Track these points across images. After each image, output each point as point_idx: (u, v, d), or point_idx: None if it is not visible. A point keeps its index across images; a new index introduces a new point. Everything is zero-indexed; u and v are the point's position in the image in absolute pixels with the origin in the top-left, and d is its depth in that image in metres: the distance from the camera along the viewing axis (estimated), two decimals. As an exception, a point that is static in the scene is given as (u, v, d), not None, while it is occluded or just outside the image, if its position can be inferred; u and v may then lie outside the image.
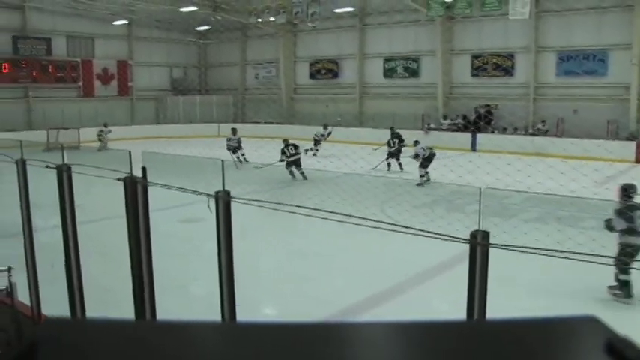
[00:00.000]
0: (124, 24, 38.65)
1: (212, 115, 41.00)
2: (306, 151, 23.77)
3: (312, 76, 38.36)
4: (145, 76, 40.88)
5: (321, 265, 10.12)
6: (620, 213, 8.01)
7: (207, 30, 41.64)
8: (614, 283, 8.11)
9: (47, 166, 5.99)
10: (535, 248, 3.50)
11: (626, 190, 8.30)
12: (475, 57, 30.92)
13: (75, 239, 5.75)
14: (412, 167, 18.76)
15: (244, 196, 4.47)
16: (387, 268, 9.86)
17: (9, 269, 6.20)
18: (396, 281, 9.18)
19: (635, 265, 7.86)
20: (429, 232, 3.98)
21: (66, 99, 36.41)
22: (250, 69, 42.19)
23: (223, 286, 4.31)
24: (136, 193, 4.71)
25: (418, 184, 17.10)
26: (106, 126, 30.40)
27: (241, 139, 23.73)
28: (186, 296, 8.28)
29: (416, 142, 19.30)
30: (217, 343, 0.79)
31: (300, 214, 4.26)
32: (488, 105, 30.32)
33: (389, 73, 34.56)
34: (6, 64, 33.78)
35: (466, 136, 28.97)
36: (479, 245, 3.44)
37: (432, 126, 31.15)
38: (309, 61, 38.30)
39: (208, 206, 4.31)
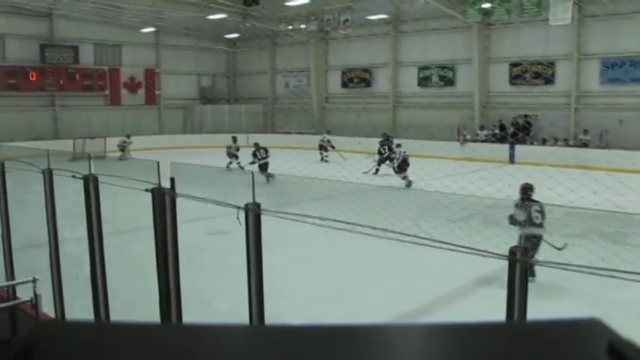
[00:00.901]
0: (152, 31, 39.28)
1: (241, 125, 41.26)
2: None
3: (344, 85, 38.42)
4: (172, 85, 41.39)
5: (355, 281, 10.09)
6: (519, 206, 9.66)
7: (236, 38, 42.00)
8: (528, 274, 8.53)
9: (74, 176, 6.10)
10: (578, 266, 3.45)
11: (525, 190, 10.13)
12: (513, 65, 30.65)
13: (101, 251, 5.84)
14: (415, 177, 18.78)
15: (275, 209, 4.49)
16: (422, 284, 9.79)
17: (34, 280, 6.30)
18: (431, 298, 9.11)
19: (532, 252, 8.95)
20: (465, 247, 3.95)
21: (92, 108, 37.04)
22: (280, 78, 42.42)
23: (252, 301, 4.33)
24: (163, 204, 4.76)
25: (407, 185, 19.14)
26: (128, 137, 30.86)
27: (240, 147, 25.26)
28: (212, 310, 8.32)
29: (398, 145, 21.68)
30: (226, 344, 0.80)
31: (333, 227, 4.26)
32: (527, 115, 29.99)
33: (423, 82, 34.45)
34: (33, 73, 34.52)
35: (504, 148, 28.68)
36: (518, 262, 3.41)
37: (468, 137, 30.92)
38: (341, 70, 38.37)
39: (238, 218, 4.33)
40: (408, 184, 19.48)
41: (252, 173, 4.56)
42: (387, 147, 23.50)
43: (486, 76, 31.63)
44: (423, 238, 4.23)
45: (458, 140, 30.79)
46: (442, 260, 9.16)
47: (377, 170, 22.82)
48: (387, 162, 22.35)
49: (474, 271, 9.31)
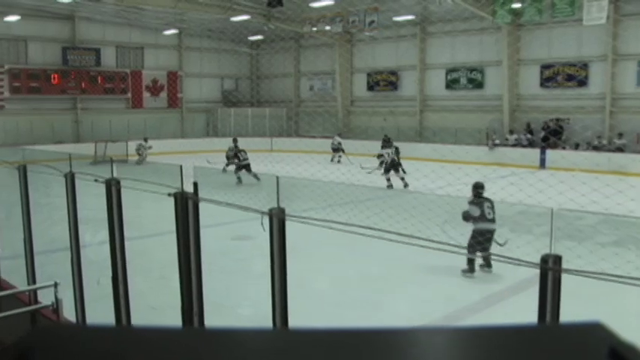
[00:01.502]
0: (174, 33, 39.65)
1: (265, 128, 41.43)
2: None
3: (369, 87, 38.38)
4: (195, 88, 41.72)
5: (382, 288, 10.07)
6: (473, 203, 10.52)
7: (259, 40, 42.19)
8: (467, 267, 10.31)
9: (96, 180, 6.17)
10: (614, 275, 3.41)
11: (477, 188, 10.90)
12: (545, 67, 30.37)
13: (123, 255, 5.89)
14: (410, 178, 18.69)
15: (300, 214, 4.50)
16: (449, 291, 9.74)
17: (55, 285, 6.38)
18: (460, 306, 9.05)
19: (486, 245, 10.02)
20: (495, 254, 3.92)
21: (114, 111, 37.48)
22: (305, 80, 42.52)
23: (276, 308, 4.34)
24: (186, 208, 4.79)
25: (388, 187, 20.08)
26: (146, 140, 31.14)
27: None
28: (235, 317, 8.35)
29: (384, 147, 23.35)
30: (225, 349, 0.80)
31: (359, 233, 4.26)
32: (559, 119, 29.68)
33: (451, 84, 34.29)
34: (55, 75, 35.03)
35: (534, 153, 28.41)
36: (550, 270, 3.38)
37: (497, 141, 30.69)
38: (367, 72, 38.34)
39: (262, 224, 4.35)
40: (406, 185, 20.41)
41: (277, 177, 4.57)
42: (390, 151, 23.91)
43: (516, 78, 31.38)
44: (450, 244, 4.22)
45: (486, 144, 30.58)
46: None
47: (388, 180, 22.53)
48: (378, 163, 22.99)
49: (503, 278, 9.25)
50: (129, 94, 38.33)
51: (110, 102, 37.56)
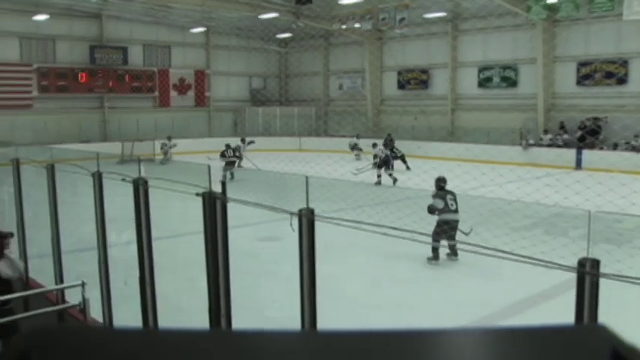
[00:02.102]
0: (202, 32, 39.92)
1: (293, 128, 41.52)
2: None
3: (400, 86, 38.23)
4: (222, 86, 41.97)
5: (415, 292, 10.03)
6: (436, 196, 11.61)
7: (288, 37, 42.23)
8: (431, 255, 11.21)
9: (123, 179, 6.23)
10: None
11: (439, 182, 12.05)
12: (582, 64, 29.93)
13: (150, 255, 5.95)
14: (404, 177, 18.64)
15: (330, 214, 4.49)
16: (483, 295, 9.66)
17: (82, 284, 6.46)
18: (493, 310, 8.97)
19: (451, 234, 10.93)
20: (529, 257, 3.88)
21: (141, 109, 37.85)
22: (334, 79, 42.51)
23: (305, 310, 4.34)
24: (214, 208, 4.82)
25: (376, 184, 21.36)
26: (169, 139, 31.37)
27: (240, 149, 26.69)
28: (262, 319, 8.38)
29: (374, 145, 24.44)
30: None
31: (390, 235, 4.24)
32: (597, 118, 29.21)
33: (484, 83, 34.00)
34: (83, 74, 35.52)
35: (570, 153, 28.04)
36: (588, 274, 3.33)
37: (531, 141, 30.35)
38: (397, 71, 38.19)
39: (291, 224, 4.35)
40: (394, 181, 21.72)
41: (306, 178, 4.57)
42: (390, 148, 25.92)
43: (552, 76, 30.99)
44: (483, 247, 4.18)
45: (520, 144, 30.27)
46: (504, 270, 9.05)
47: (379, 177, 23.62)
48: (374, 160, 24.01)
49: (538, 283, 9.13)
50: (156, 93, 38.71)
51: (137, 101, 37.95)
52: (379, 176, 22.26)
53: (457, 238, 10.88)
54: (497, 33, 32.89)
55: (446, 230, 10.83)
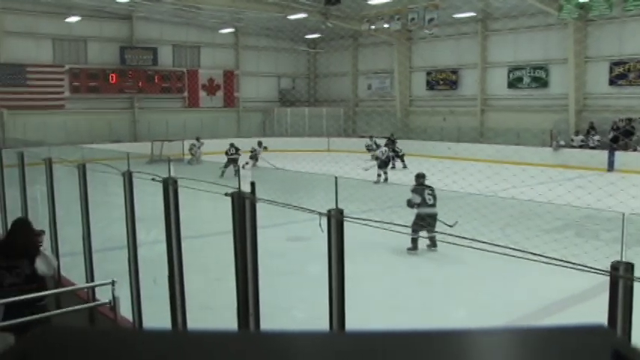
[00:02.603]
0: (231, 32, 40.16)
1: (322, 128, 41.55)
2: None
3: (429, 86, 38.08)
4: (251, 87, 42.18)
5: (441, 294, 9.98)
6: (415, 190, 12.28)
7: (317, 38, 42.30)
8: (411, 245, 11.62)
9: (153, 179, 6.28)
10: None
11: (418, 177, 12.81)
12: (615, 64, 29.48)
13: (179, 254, 5.99)
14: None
15: (360, 215, 4.48)
16: (511, 298, 9.57)
17: (112, 283, 6.52)
18: (521, 314, 8.88)
19: (430, 228, 11.41)
20: (560, 260, 3.83)
21: (171, 110, 38.24)
22: (363, 79, 42.48)
23: (333, 312, 4.33)
24: (243, 208, 4.83)
25: (375, 182, 22.29)
26: (198, 139, 31.54)
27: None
28: (290, 319, 8.40)
29: (378, 145, 26.17)
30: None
31: (419, 236, 4.22)
32: (631, 119, 28.74)
33: (514, 83, 33.70)
34: (113, 75, 35.97)
35: (602, 154, 27.62)
36: (621, 278, 3.27)
37: (562, 142, 29.98)
38: (426, 71, 38.06)
39: (320, 225, 4.34)
40: (385, 181, 23.14)
41: (336, 178, 4.56)
42: (392, 148, 27.54)
43: (583, 76, 30.57)
44: (513, 248, 4.14)
45: (550, 146, 29.93)
46: (534, 273, 8.95)
47: (379, 176, 24.31)
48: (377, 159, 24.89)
49: (568, 286, 9.02)
50: (185, 94, 39.03)
51: (167, 101, 38.31)
52: (379, 175, 23.42)
53: (445, 230, 10.74)
54: (528, 33, 32.59)
55: (423, 225, 11.55)
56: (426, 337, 0.80)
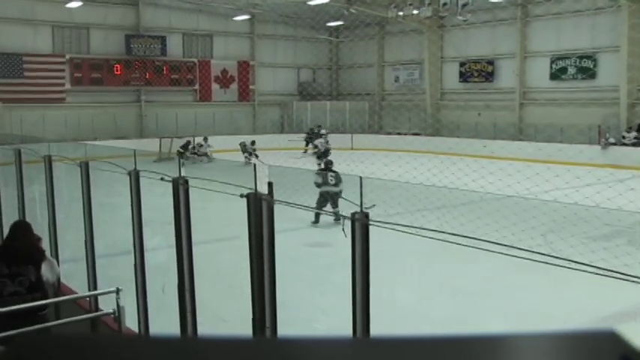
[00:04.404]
0: (246, 20, 40.25)
1: (344, 124, 41.51)
2: None
3: (462, 78, 37.91)
4: (268, 79, 42.25)
5: (474, 305, 9.93)
6: (318, 173, 16.30)
7: (340, 26, 42.29)
8: (314, 219, 14.77)
9: (162, 178, 6.31)
10: None
11: (327, 164, 17.33)
12: (673, 53, 29.15)
13: (190, 260, 6.01)
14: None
15: (387, 219, 4.48)
16: (553, 311, 9.49)
17: (117, 291, 6.54)
18: (560, 327, 8.80)
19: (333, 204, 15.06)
20: (609, 270, 3.80)
21: (180, 104, 38.42)
22: (389, 71, 42.40)
23: (357, 322, 4.33)
24: (260, 211, 4.84)
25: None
26: (205, 140, 31.54)
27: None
28: (310, 330, 8.39)
29: (317, 134, 29.22)
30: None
31: (451, 242, 4.20)
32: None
33: (557, 74, 33.42)
34: (118, 66, 36.21)
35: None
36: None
37: (612, 140, 29.67)
38: (459, 61, 37.89)
39: (343, 229, 4.34)
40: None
41: (360, 178, 4.56)
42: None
43: (637, 66, 30.20)
44: (556, 257, 4.11)
45: (599, 143, 29.64)
46: (579, 285, 8.87)
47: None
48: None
49: (620, 300, 8.93)
50: (196, 86, 39.21)
51: (176, 94, 38.50)
52: (319, 164, 25.20)
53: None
54: (573, 18, 32.28)
55: (325, 200, 15.17)
56: (431, 343, 0.84)
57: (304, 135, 35.81)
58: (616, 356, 0.75)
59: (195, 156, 29.89)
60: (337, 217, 14.07)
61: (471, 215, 13.02)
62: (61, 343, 0.84)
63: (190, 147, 30.90)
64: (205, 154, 30.27)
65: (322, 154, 26.97)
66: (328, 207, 15.43)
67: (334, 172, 15.90)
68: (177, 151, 28.63)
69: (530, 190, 18.11)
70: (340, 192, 15.03)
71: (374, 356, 0.82)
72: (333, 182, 15.44)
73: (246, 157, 29.31)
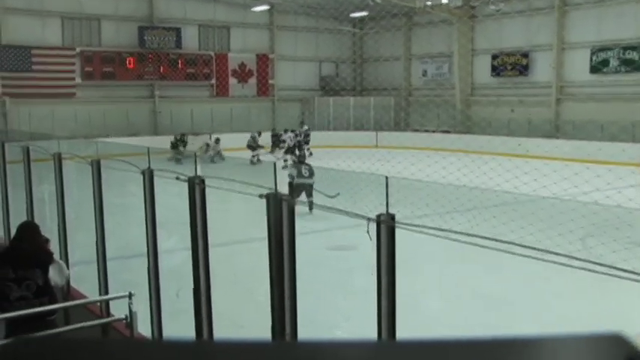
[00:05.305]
0: (265, 10, 40.32)
1: (369, 121, 41.46)
2: None
3: (495, 72, 37.71)
4: (288, 73, 42.30)
5: (507, 313, 9.88)
6: (293, 166, 18.24)
7: (364, 16, 42.23)
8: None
9: (177, 178, 6.35)
10: None
11: (299, 157, 21.04)
12: None
13: (206, 264, 6.04)
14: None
15: (414, 221, 4.48)
16: (590, 322, 9.42)
17: (130, 295, 6.57)
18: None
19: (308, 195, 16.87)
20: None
21: (196, 99, 38.57)
22: (417, 64, 42.29)
23: (382, 331, 4.34)
24: (280, 212, 4.86)
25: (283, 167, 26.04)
26: (217, 141, 31.30)
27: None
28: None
29: (286, 131, 31.72)
30: None
31: (482, 246, 4.19)
32: None
33: (599, 67, 33.10)
34: (130, 59, 36.42)
35: None
36: None
37: (657, 138, 29.40)
38: (491, 54, 37.69)
39: (367, 232, 4.34)
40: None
41: (386, 178, 4.56)
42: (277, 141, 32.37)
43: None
44: (595, 262, 4.09)
45: (643, 142, 29.36)
46: (622, 294, 8.80)
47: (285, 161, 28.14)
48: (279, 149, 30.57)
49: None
50: (213, 81, 39.35)
51: (192, 89, 38.65)
52: (285, 160, 26.92)
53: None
54: (616, 6, 31.97)
55: (299, 191, 16.90)
56: (433, 347, 0.86)
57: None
58: (621, 358, 0.77)
59: (208, 153, 29.92)
60: (311, 206, 15.76)
61: (503, 218, 12.96)
62: (64, 346, 0.86)
63: (203, 145, 31.07)
64: (218, 153, 30.30)
65: (289, 150, 29.19)
66: (303, 197, 17.00)
67: (308, 165, 18.40)
68: (171, 143, 29.70)
69: (567, 192, 17.98)
70: (313, 183, 17.46)
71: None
72: (307, 175, 17.61)
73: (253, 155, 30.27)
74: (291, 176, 17.56)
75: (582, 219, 12.35)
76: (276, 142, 33.07)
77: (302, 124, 35.78)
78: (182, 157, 25.30)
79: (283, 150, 30.26)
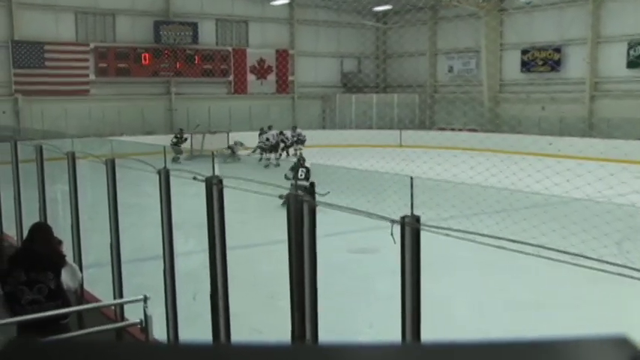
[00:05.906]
0: (285, 4, 40.42)
1: (392, 119, 41.37)
2: None
3: (524, 68, 37.51)
4: (309, 69, 42.31)
5: (534, 320, 9.83)
6: (291, 168, 18.77)
7: (388, 10, 42.13)
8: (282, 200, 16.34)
9: (195, 178, 6.38)
10: None
11: (299, 160, 19.75)
12: None
13: (224, 267, 6.06)
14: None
15: (440, 223, 4.47)
16: (625, 330, 9.35)
17: (145, 299, 6.60)
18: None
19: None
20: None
21: (213, 96, 38.69)
22: (443, 60, 42.17)
23: (406, 338, 4.34)
24: (301, 213, 4.85)
25: (265, 166, 28.53)
26: (241, 144, 31.39)
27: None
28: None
29: (270, 127, 31.55)
30: None
31: (511, 249, 4.18)
32: None
33: (636, 62, 32.78)
34: (146, 55, 36.60)
35: None
36: None
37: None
38: (521, 49, 37.48)
39: (391, 234, 4.34)
40: (277, 165, 28.67)
41: (411, 178, 4.56)
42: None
43: None
44: (632, 268, 4.06)
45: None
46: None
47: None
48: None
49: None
50: (231, 77, 39.46)
51: (209, 86, 38.77)
52: (268, 159, 29.43)
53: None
54: (655, -2, 31.67)
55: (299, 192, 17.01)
56: (435, 349, 0.85)
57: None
58: (625, 358, 0.78)
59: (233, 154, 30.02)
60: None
61: (534, 220, 12.88)
62: (73, 348, 0.87)
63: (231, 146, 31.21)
64: (233, 152, 30.37)
65: (272, 148, 30.22)
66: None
67: (306, 167, 19.02)
68: (171, 141, 29.42)
69: (602, 193, 17.83)
70: (308, 186, 17.80)
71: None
72: (303, 177, 18.44)
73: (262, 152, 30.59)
74: (286, 177, 18.32)
75: (618, 222, 12.26)
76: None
77: (294, 128, 35.50)
78: (180, 155, 25.41)
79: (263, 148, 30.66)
